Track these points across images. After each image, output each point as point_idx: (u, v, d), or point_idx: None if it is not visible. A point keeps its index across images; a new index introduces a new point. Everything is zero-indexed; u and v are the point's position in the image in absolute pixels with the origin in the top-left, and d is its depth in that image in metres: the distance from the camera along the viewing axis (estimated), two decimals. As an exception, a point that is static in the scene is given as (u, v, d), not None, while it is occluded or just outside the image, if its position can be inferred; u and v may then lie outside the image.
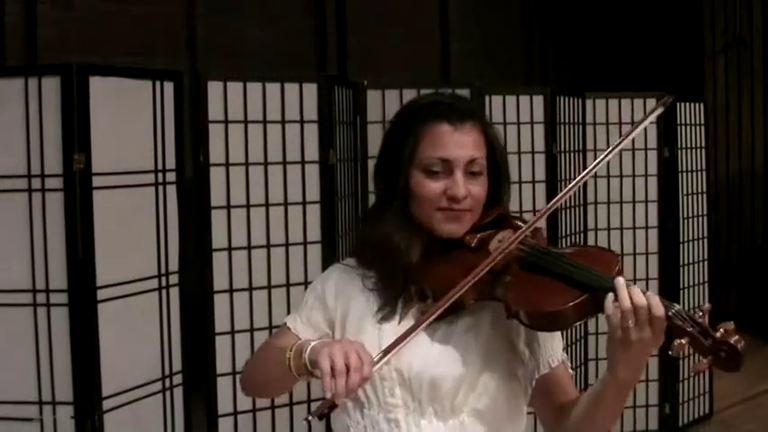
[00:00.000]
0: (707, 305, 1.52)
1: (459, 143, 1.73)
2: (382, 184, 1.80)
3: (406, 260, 1.73)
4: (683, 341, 1.50)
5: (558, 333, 1.75)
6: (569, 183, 4.22)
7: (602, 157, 1.74)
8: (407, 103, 1.85)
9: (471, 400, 1.69)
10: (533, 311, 1.60)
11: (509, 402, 1.73)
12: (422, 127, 1.74)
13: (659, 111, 1.77)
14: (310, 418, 1.51)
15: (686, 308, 5.15)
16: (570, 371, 1.79)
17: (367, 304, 1.77)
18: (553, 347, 1.74)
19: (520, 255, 1.68)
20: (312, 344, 1.61)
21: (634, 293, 1.52)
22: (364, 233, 1.84)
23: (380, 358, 1.57)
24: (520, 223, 1.77)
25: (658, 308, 1.51)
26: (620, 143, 1.74)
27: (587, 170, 1.76)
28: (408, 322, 1.70)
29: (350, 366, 1.50)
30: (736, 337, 1.47)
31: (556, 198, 1.78)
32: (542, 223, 1.82)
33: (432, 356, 1.67)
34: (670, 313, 1.51)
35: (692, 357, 4.90)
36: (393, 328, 1.71)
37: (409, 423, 1.69)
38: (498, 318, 1.68)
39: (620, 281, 1.54)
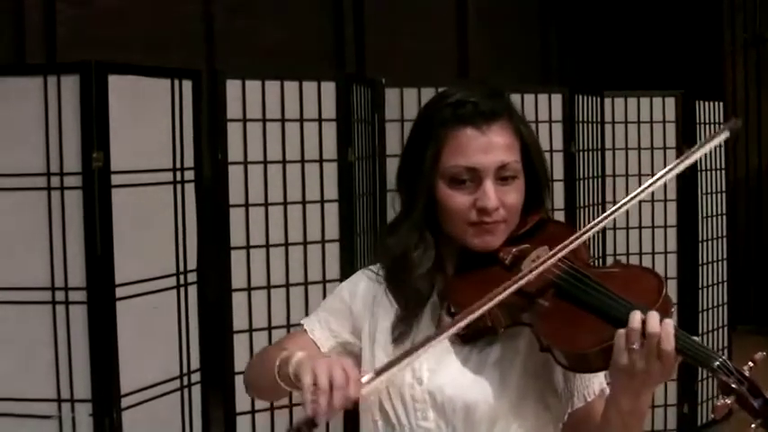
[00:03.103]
0: (760, 354, 1.38)
1: (487, 148, 1.57)
2: (405, 193, 1.66)
3: (421, 277, 1.62)
4: (729, 401, 1.35)
5: None
6: (587, 182, 4.25)
7: (657, 176, 1.64)
8: (430, 101, 1.67)
9: (509, 429, 1.56)
10: (566, 350, 1.47)
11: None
12: (444, 131, 1.58)
13: (724, 135, 1.59)
14: None
15: (705, 306, 5.10)
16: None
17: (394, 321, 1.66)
18: (591, 379, 1.59)
19: (554, 280, 1.53)
20: (298, 356, 1.53)
21: (650, 319, 1.39)
22: (385, 244, 1.69)
23: (372, 378, 1.46)
24: (561, 229, 1.62)
25: (668, 341, 1.38)
26: (679, 163, 1.62)
27: (639, 190, 1.65)
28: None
29: (334, 384, 1.39)
30: None
31: (601, 217, 1.57)
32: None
33: (464, 383, 1.56)
34: (714, 365, 1.38)
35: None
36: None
37: None
38: (535, 343, 1.54)
39: (637, 314, 1.40)
